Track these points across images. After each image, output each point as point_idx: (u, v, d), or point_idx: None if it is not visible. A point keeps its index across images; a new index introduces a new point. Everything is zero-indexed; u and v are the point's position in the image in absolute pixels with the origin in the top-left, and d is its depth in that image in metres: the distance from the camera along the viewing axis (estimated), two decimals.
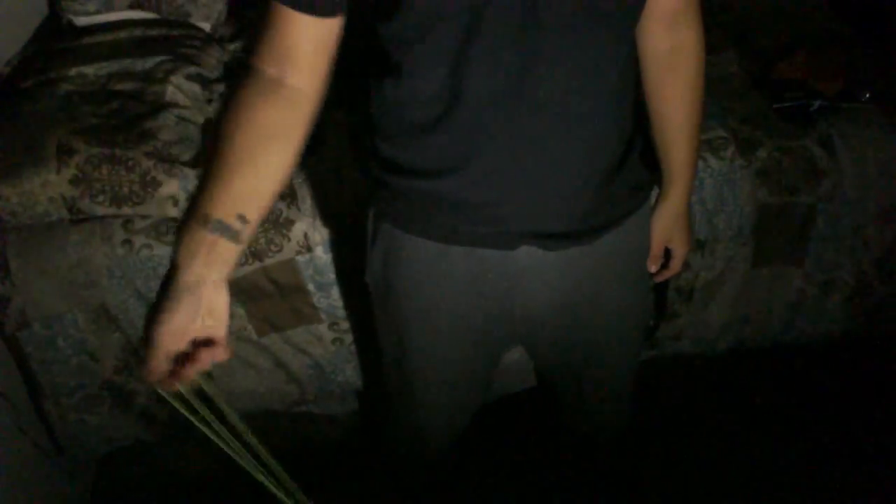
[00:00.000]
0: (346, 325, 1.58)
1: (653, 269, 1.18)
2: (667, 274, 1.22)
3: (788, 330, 1.77)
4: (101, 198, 1.44)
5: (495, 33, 0.79)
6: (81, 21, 1.86)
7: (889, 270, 1.72)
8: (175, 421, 1.65)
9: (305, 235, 1.48)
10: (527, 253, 0.96)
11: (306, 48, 0.80)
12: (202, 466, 1.72)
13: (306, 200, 1.48)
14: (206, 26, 1.93)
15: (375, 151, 0.97)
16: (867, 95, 1.66)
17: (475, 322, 1.04)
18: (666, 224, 1.15)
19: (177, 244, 0.79)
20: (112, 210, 1.45)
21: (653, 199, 1.14)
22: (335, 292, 1.53)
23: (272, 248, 1.47)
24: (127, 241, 1.44)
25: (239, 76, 0.82)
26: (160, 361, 0.83)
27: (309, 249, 1.49)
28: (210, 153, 0.80)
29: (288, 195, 1.48)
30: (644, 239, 1.12)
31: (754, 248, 1.64)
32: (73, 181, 1.42)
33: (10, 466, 1.46)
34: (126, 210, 1.45)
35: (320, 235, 1.48)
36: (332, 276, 1.51)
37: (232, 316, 1.50)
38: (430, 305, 1.03)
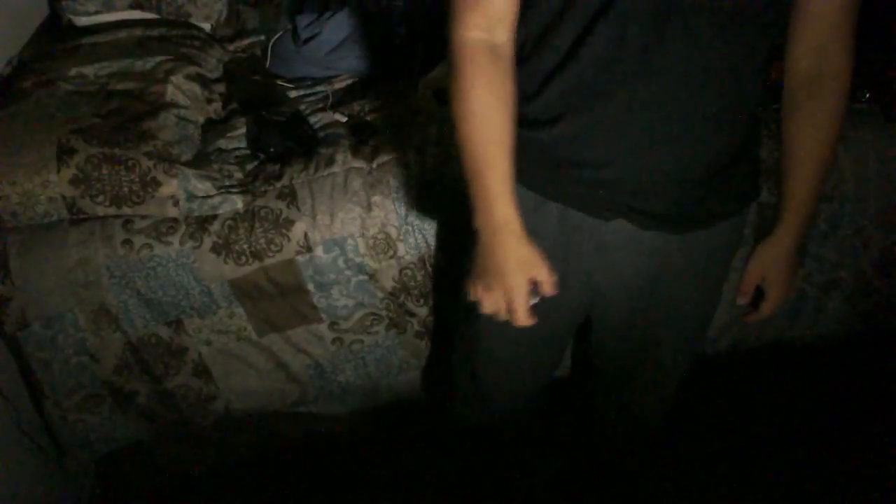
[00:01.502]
0: (346, 324, 1.57)
1: (741, 301, 1.11)
2: (753, 317, 1.13)
3: (788, 330, 1.77)
4: (101, 198, 1.44)
5: (629, 7, 0.82)
6: (81, 21, 1.86)
7: (889, 270, 1.71)
8: (174, 420, 1.65)
9: (305, 235, 1.48)
10: (619, 228, 0.98)
11: (511, 5, 0.86)
12: (202, 466, 1.73)
13: (306, 201, 1.48)
14: (206, 26, 1.93)
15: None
16: (867, 95, 1.66)
17: (559, 282, 1.05)
18: (764, 259, 1.08)
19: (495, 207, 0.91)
20: (112, 210, 1.45)
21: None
22: (335, 292, 1.53)
23: (272, 248, 1.47)
24: (127, 241, 1.44)
25: (458, 52, 0.88)
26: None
27: (309, 249, 1.49)
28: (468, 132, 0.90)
29: (288, 195, 1.48)
30: (730, 250, 1.11)
31: (754, 248, 1.64)
32: (73, 181, 1.42)
33: (10, 466, 1.46)
34: (126, 210, 1.45)
35: (320, 235, 1.48)
36: (332, 275, 1.51)
37: (232, 316, 1.52)
38: None
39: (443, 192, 1.50)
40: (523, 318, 0.95)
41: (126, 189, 1.44)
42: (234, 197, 1.48)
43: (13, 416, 1.50)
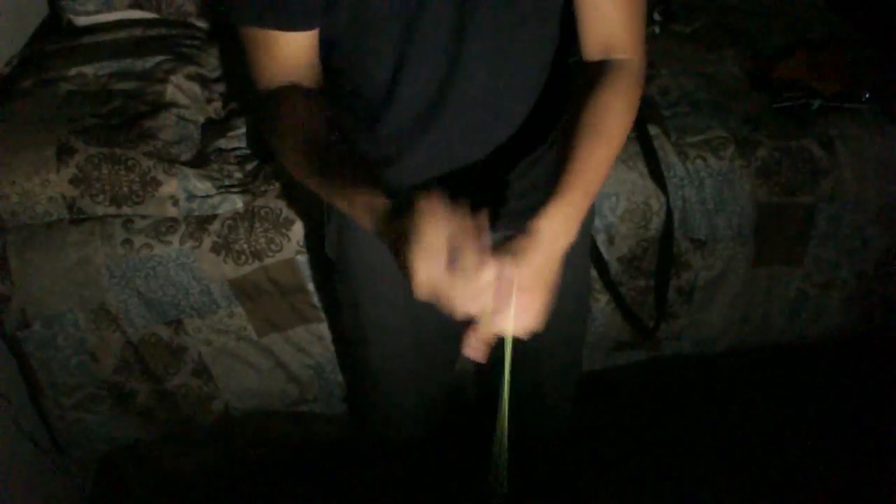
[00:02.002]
0: None
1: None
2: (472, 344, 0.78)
3: (788, 330, 1.77)
4: (101, 197, 1.44)
5: (427, 39, 0.84)
6: (81, 21, 1.86)
7: (889, 270, 1.72)
8: (174, 420, 1.65)
9: (305, 236, 1.48)
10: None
11: (301, 56, 0.87)
12: (202, 466, 1.73)
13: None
14: (206, 26, 1.93)
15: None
16: (867, 95, 1.65)
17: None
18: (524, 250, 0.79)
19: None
20: (112, 210, 1.45)
21: None
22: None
23: (272, 247, 1.47)
24: (127, 241, 1.44)
25: (266, 107, 0.88)
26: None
27: (309, 249, 1.49)
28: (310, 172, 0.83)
29: (287, 195, 1.48)
30: (587, 221, 1.12)
31: (754, 248, 1.64)
32: (73, 181, 1.42)
33: (10, 466, 1.46)
34: (126, 210, 1.45)
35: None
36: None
37: (231, 316, 1.52)
38: (380, 276, 1.06)
39: None
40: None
41: (126, 189, 1.44)
42: (234, 196, 1.48)
43: (13, 416, 1.50)
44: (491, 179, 0.96)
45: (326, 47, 0.90)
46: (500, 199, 0.99)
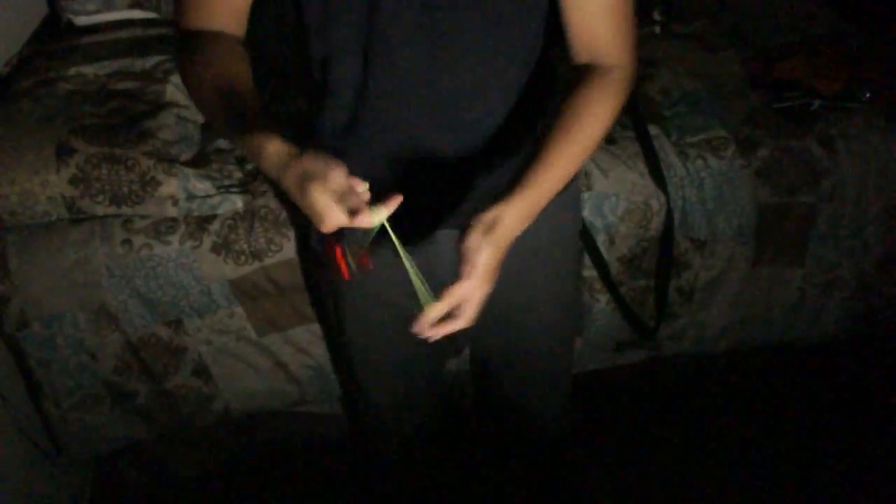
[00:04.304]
0: None
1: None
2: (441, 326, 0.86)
3: (788, 330, 1.77)
4: (100, 197, 1.44)
5: (393, 32, 0.84)
6: (81, 21, 1.86)
7: (889, 270, 1.72)
8: (174, 420, 1.65)
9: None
10: (445, 235, 0.99)
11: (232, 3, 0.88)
12: (202, 466, 1.73)
13: None
14: None
15: (310, 135, 1.02)
16: (867, 95, 1.66)
17: (405, 291, 1.05)
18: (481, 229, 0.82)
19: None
20: (112, 210, 1.45)
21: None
22: None
23: (272, 248, 1.47)
24: (127, 241, 1.44)
25: (186, 43, 0.88)
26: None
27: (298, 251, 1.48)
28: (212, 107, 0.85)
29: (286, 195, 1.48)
30: (571, 220, 1.12)
31: (754, 248, 1.64)
32: (73, 181, 1.42)
33: (10, 466, 1.46)
34: (126, 210, 1.45)
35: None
36: None
37: (231, 316, 1.52)
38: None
39: None
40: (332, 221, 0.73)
41: (126, 189, 1.44)
42: (234, 196, 1.48)
43: (12, 416, 1.50)
44: (459, 178, 0.96)
45: (302, 39, 0.91)
46: (464, 198, 0.98)
